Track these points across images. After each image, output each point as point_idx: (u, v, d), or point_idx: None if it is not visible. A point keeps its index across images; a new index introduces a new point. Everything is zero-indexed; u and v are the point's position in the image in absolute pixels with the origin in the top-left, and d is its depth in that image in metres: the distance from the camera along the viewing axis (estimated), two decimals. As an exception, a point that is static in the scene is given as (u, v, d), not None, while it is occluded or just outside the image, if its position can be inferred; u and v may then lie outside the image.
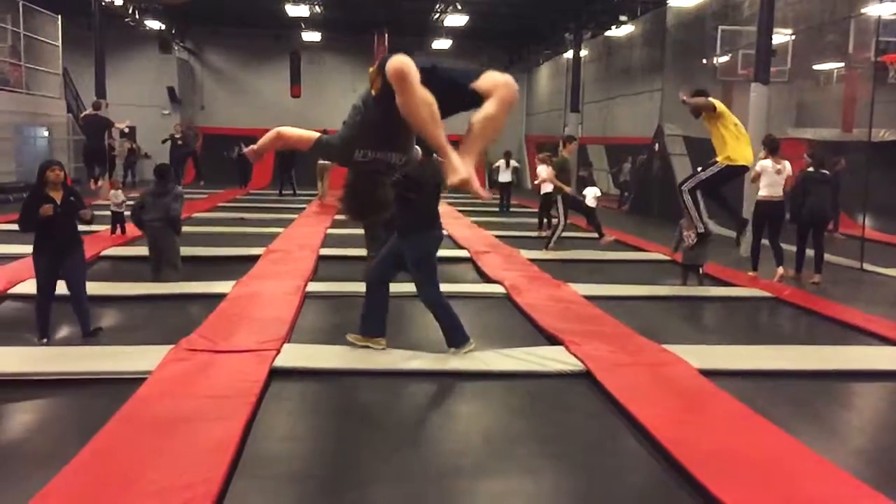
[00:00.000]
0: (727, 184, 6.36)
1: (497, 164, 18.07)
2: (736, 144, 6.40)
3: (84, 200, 5.91)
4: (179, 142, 18.49)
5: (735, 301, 7.63)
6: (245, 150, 4.34)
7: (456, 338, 5.30)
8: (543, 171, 11.58)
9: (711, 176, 6.20)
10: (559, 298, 7.08)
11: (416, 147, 4.17)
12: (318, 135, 3.93)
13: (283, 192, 20.05)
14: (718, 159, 6.35)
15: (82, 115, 17.02)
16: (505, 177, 17.63)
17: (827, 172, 8.93)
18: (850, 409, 4.85)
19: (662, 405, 4.36)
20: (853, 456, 3.92)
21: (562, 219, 10.85)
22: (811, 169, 8.83)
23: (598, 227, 10.92)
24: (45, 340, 5.55)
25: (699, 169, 7.05)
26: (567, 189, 10.86)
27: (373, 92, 3.72)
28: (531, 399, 4.62)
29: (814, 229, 8.74)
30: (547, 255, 10.07)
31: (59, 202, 5.54)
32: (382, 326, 5.36)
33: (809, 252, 8.75)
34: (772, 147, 8.93)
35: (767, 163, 8.74)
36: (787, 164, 8.80)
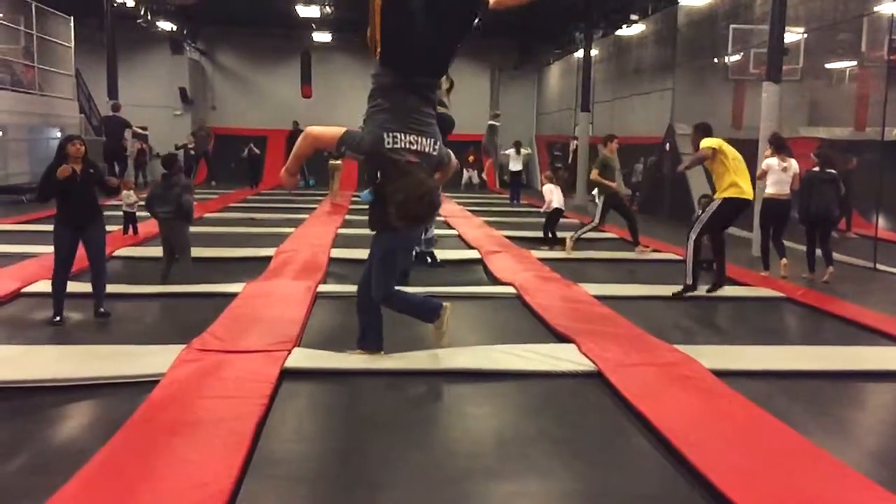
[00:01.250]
0: (731, 222, 5.98)
1: (507, 151, 18.03)
2: (734, 179, 6.03)
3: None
4: (192, 151, 18.67)
5: (747, 301, 7.59)
6: (283, 179, 4.30)
7: (428, 318, 5.14)
8: (549, 191, 11.44)
9: (712, 216, 5.82)
10: (570, 298, 7.07)
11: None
12: (344, 128, 3.91)
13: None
14: (716, 196, 6.00)
15: (103, 116, 17.22)
16: (515, 165, 17.61)
17: (833, 171, 8.88)
18: (864, 409, 4.83)
19: (674, 405, 4.35)
20: (867, 457, 3.90)
21: (597, 218, 10.62)
22: (817, 168, 8.81)
23: (636, 233, 10.67)
24: (58, 319, 5.63)
25: (699, 212, 6.74)
26: (612, 185, 10.60)
27: (377, 55, 3.80)
28: (543, 399, 4.62)
29: (820, 228, 8.73)
30: (560, 255, 10.04)
31: (78, 173, 5.72)
32: (380, 340, 5.21)
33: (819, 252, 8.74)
34: (777, 145, 8.92)
35: (773, 161, 8.74)
36: (793, 162, 8.78)
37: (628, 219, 10.85)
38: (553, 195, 11.30)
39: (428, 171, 4.01)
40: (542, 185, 12.07)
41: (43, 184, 5.83)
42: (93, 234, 5.84)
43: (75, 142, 5.84)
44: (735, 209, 5.86)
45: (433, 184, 3.86)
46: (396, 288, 5.15)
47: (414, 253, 7.26)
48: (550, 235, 11.47)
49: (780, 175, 8.70)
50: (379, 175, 4.35)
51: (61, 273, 5.78)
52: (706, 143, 6.09)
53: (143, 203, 8.20)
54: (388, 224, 4.84)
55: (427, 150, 3.84)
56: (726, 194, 5.85)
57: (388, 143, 3.72)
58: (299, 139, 4.04)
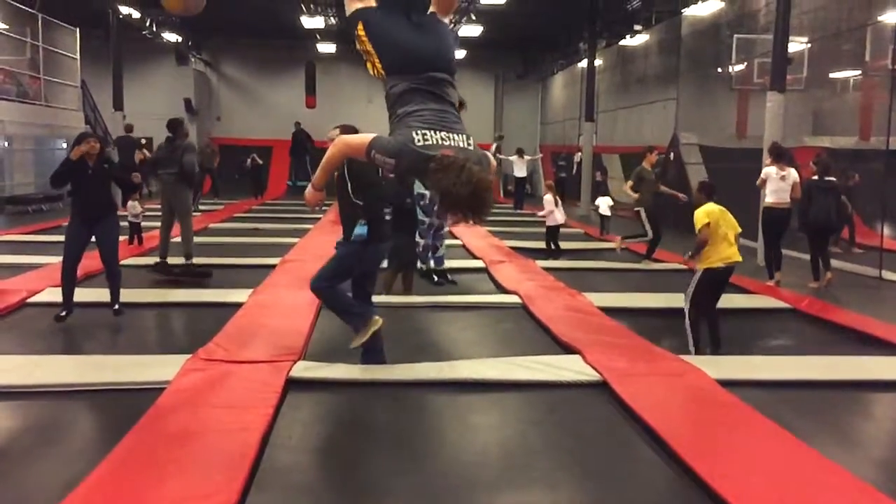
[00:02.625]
0: (719, 289, 5.83)
1: (511, 157, 18.04)
2: (715, 249, 5.87)
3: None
4: (197, 168, 18.79)
5: (752, 311, 7.57)
6: (308, 196, 4.17)
7: (356, 325, 5.09)
8: (549, 202, 11.51)
9: (696, 288, 5.72)
10: (575, 308, 7.06)
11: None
12: (373, 134, 3.78)
13: (298, 181, 20.10)
14: (698, 265, 5.87)
15: (116, 137, 17.40)
16: (520, 171, 17.61)
17: (833, 180, 8.94)
18: (871, 419, 4.80)
19: (680, 415, 4.33)
20: (874, 467, 3.88)
21: (649, 231, 10.48)
22: (816, 177, 8.85)
23: (653, 248, 10.61)
24: (64, 314, 5.67)
25: (687, 287, 6.49)
26: (632, 194, 10.55)
27: (376, 70, 3.82)
28: (548, 409, 4.60)
29: (820, 236, 8.77)
30: (565, 264, 10.02)
31: (91, 166, 5.93)
32: (365, 313, 5.11)
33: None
34: (777, 154, 8.99)
35: (772, 170, 8.85)
36: (792, 171, 8.86)
37: (655, 233, 10.66)
38: (553, 208, 11.35)
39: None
40: (545, 193, 12.17)
41: (57, 169, 6.07)
42: (104, 230, 5.98)
43: (90, 139, 6.01)
44: (716, 278, 5.74)
45: (479, 170, 3.49)
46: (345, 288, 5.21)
47: (421, 267, 7.19)
48: (554, 247, 11.52)
49: (778, 184, 8.79)
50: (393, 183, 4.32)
51: (69, 265, 5.90)
52: (700, 217, 5.88)
53: (147, 215, 8.24)
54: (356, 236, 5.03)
55: (462, 144, 3.64)
56: (705, 265, 5.74)
57: (419, 140, 3.57)
58: (330, 148, 3.94)
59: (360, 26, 3.88)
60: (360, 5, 3.93)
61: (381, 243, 5.23)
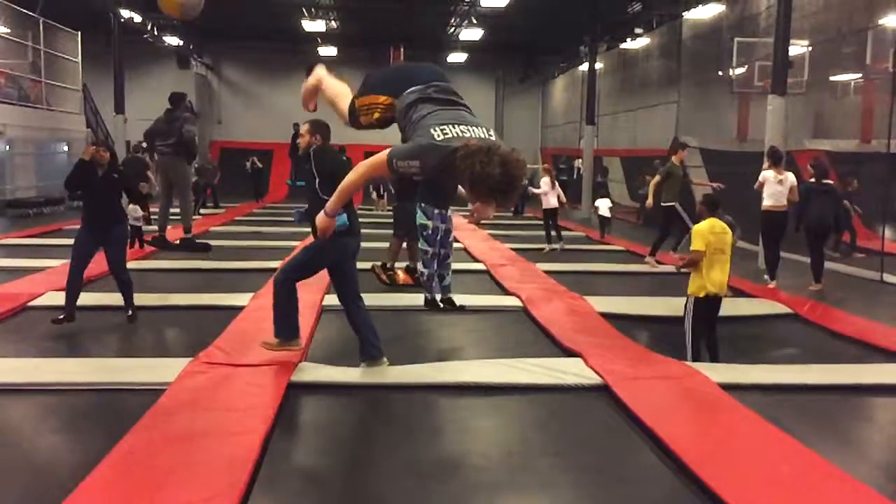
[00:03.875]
0: (713, 315, 5.79)
1: None
2: (702, 275, 5.80)
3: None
4: (195, 176, 18.91)
5: (754, 315, 7.56)
6: (322, 224, 4.08)
7: (280, 328, 5.12)
8: (546, 183, 11.81)
9: (693, 318, 5.69)
10: (576, 311, 7.06)
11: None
12: (388, 149, 3.62)
13: (298, 181, 20.20)
14: (689, 291, 5.82)
15: (124, 159, 17.45)
16: None
17: (830, 182, 9.05)
18: (872, 423, 4.79)
19: (681, 419, 4.33)
20: (875, 471, 3.87)
21: (688, 222, 9.98)
22: (813, 180, 8.96)
23: (657, 246, 10.58)
24: (60, 317, 5.70)
25: (685, 318, 6.40)
26: (650, 199, 10.55)
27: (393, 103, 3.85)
28: (549, 413, 4.60)
29: (818, 239, 8.86)
30: (566, 267, 10.01)
31: (100, 175, 6.01)
32: (297, 332, 5.17)
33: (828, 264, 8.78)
34: (774, 158, 9.10)
35: (769, 173, 8.97)
36: (789, 175, 8.95)
37: (664, 231, 10.58)
38: (548, 189, 11.56)
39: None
40: (542, 176, 12.52)
41: (70, 174, 6.13)
42: (111, 238, 6.03)
43: (99, 149, 6.08)
44: (708, 306, 5.71)
45: (509, 151, 3.36)
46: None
47: (426, 297, 7.10)
48: (555, 233, 11.66)
49: (775, 187, 8.86)
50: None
51: (75, 271, 5.94)
52: (697, 238, 5.82)
53: (150, 217, 8.24)
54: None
55: (483, 136, 3.55)
56: (693, 293, 5.70)
57: (438, 135, 3.50)
58: (351, 175, 3.80)
59: (377, 99, 4.00)
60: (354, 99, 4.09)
61: (352, 237, 5.19)
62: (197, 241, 8.79)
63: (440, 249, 5.49)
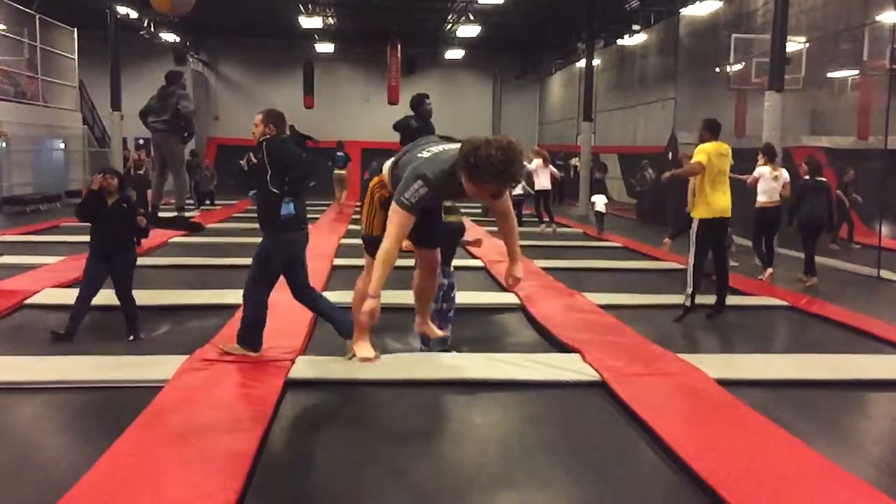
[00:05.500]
0: (720, 237, 5.70)
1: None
2: (711, 194, 5.76)
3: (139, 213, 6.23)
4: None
5: (751, 310, 7.57)
6: (368, 309, 3.82)
7: (247, 339, 5.13)
8: (538, 165, 11.96)
9: (697, 239, 5.63)
10: (573, 308, 7.06)
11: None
12: (393, 205, 3.72)
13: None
14: (692, 214, 5.75)
15: (132, 157, 17.50)
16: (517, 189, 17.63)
17: (824, 179, 9.17)
18: (869, 418, 4.80)
19: (679, 415, 4.33)
20: (872, 466, 3.87)
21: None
22: (807, 176, 9.10)
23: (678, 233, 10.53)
24: (61, 332, 5.67)
25: (689, 241, 6.34)
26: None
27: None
28: (547, 409, 4.60)
29: (811, 234, 8.99)
30: (563, 264, 10.02)
31: (109, 204, 5.92)
32: (259, 344, 5.18)
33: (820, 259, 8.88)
34: (770, 155, 9.27)
35: (765, 169, 9.12)
36: (783, 171, 9.14)
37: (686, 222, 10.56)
38: (538, 170, 11.65)
39: None
40: (535, 157, 12.68)
41: (80, 204, 6.08)
42: (119, 265, 5.99)
43: (106, 175, 5.99)
44: (714, 228, 5.69)
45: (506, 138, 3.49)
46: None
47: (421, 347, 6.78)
48: (548, 218, 11.72)
49: (770, 184, 9.02)
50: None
51: (84, 296, 5.90)
52: (699, 154, 5.85)
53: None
54: (273, 224, 5.02)
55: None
56: (697, 215, 5.70)
57: (426, 153, 3.66)
58: (385, 244, 3.74)
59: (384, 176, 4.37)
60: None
61: (300, 233, 5.21)
62: (189, 220, 8.75)
63: (442, 304, 5.44)
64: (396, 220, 3.69)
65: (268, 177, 5.02)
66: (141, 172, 14.16)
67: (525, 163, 13.34)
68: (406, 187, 3.66)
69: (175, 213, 8.67)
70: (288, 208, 4.96)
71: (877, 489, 3.37)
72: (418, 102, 7.42)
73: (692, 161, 5.81)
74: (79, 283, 6.20)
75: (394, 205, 3.71)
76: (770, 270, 9.08)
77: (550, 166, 12.38)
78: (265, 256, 5.14)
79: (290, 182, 5.04)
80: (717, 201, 5.61)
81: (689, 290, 5.87)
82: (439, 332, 3.64)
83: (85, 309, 5.89)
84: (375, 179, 4.49)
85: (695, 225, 5.71)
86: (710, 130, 6.09)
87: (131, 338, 5.95)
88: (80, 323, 5.85)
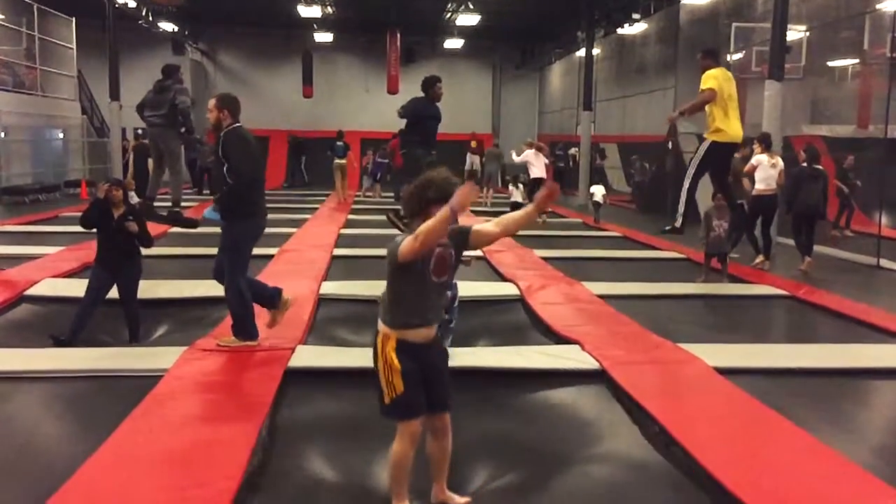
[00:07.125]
0: (724, 164, 5.69)
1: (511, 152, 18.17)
2: (724, 119, 5.81)
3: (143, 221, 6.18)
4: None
5: (750, 299, 7.58)
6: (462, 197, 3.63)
7: (241, 329, 5.17)
8: (532, 155, 11.98)
9: (702, 157, 5.64)
10: (573, 297, 7.06)
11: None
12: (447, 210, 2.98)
13: (294, 182, 20.27)
14: (706, 135, 5.79)
15: (132, 144, 17.43)
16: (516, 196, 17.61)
17: (820, 168, 9.25)
18: (869, 406, 4.81)
19: (678, 403, 4.34)
20: (871, 454, 3.88)
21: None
22: (805, 164, 9.18)
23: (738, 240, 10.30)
24: (62, 338, 5.64)
25: (692, 157, 6.55)
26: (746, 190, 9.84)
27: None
28: (547, 398, 4.61)
29: (806, 222, 9.08)
30: (563, 254, 10.02)
31: (115, 217, 5.92)
32: (255, 333, 5.24)
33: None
34: (767, 143, 9.43)
35: (763, 157, 9.25)
36: (780, 160, 9.33)
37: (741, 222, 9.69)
38: (532, 160, 11.68)
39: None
40: (527, 148, 12.80)
41: (86, 212, 6.06)
42: (125, 277, 6.01)
43: (112, 186, 6.03)
44: (723, 151, 5.67)
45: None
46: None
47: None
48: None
49: (768, 171, 9.17)
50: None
51: (88, 308, 5.89)
52: (708, 80, 5.79)
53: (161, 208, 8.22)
54: (237, 211, 5.05)
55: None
56: (712, 137, 5.70)
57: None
58: (436, 226, 3.00)
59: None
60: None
61: (264, 219, 5.34)
62: (183, 216, 8.75)
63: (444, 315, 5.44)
64: (440, 223, 3.03)
65: (225, 170, 5.06)
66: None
67: (513, 153, 13.63)
68: (413, 184, 3.35)
69: (170, 208, 8.66)
70: (212, 214, 5.03)
71: (876, 476, 3.37)
72: (430, 84, 7.43)
73: (702, 88, 5.75)
74: (77, 274, 6.20)
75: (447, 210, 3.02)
76: (762, 257, 9.19)
77: (542, 155, 12.45)
78: (238, 251, 5.18)
79: (234, 180, 5.04)
80: (730, 127, 5.69)
81: (682, 209, 5.89)
82: (460, 501, 3.17)
83: (87, 319, 5.84)
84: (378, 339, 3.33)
85: (705, 145, 5.69)
86: (712, 57, 6.11)
87: (132, 341, 5.98)
88: (81, 331, 5.78)
